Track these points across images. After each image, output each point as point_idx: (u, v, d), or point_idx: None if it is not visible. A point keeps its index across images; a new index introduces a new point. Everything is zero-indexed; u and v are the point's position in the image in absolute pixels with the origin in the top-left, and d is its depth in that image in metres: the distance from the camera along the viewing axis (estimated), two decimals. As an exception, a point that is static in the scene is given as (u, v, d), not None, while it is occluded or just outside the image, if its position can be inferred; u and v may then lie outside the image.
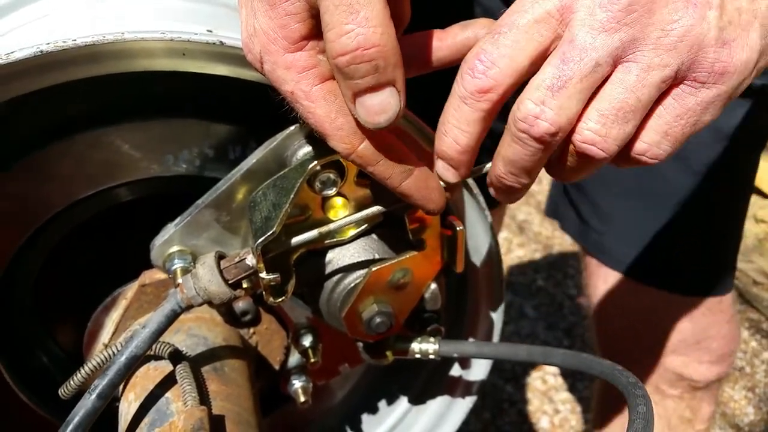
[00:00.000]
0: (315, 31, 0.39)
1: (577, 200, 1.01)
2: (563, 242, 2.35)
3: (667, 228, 0.92)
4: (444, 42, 0.46)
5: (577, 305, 2.18)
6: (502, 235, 2.44)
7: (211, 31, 0.55)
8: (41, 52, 0.42)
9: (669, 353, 1.00)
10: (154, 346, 0.51)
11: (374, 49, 0.36)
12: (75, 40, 0.42)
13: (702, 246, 0.94)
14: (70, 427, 0.46)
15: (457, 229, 0.51)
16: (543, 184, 2.26)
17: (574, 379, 1.92)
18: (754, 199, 2.55)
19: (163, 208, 0.56)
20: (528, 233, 2.46)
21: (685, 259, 0.95)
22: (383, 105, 0.39)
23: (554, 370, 1.93)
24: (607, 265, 0.99)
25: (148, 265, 0.55)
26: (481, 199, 0.57)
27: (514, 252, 2.38)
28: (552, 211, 1.11)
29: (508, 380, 1.92)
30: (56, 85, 0.46)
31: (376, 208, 0.49)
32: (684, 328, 0.97)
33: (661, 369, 1.01)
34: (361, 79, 0.37)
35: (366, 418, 0.76)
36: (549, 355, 0.51)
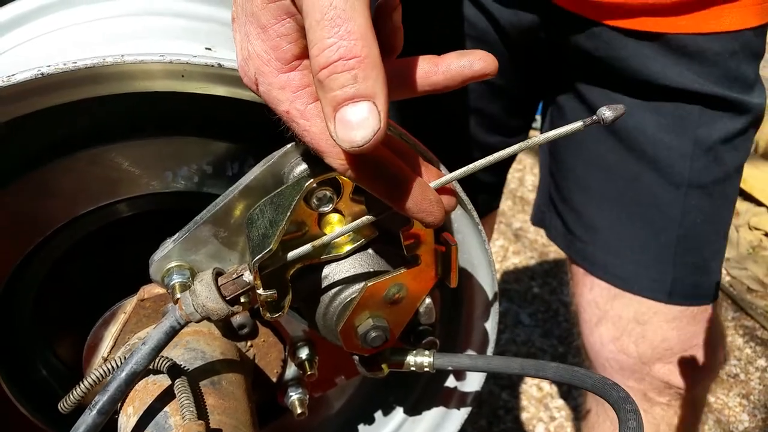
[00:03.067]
0: (307, 51, 0.40)
1: (562, 210, 1.03)
2: (558, 250, 2.35)
3: (651, 237, 0.94)
4: (439, 67, 0.47)
5: (572, 313, 2.19)
6: (498, 243, 2.45)
7: (210, 49, 0.56)
8: (42, 74, 0.43)
9: (655, 361, 1.00)
10: (153, 361, 0.52)
11: (354, 60, 0.36)
12: (75, 62, 0.43)
13: (686, 255, 0.95)
14: (71, 442, 0.46)
15: (451, 245, 0.52)
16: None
17: (569, 387, 1.92)
18: (748, 207, 2.57)
19: (162, 223, 0.56)
20: (524, 241, 2.47)
21: (670, 268, 0.96)
22: (360, 120, 0.37)
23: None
24: (593, 274, 1.00)
25: (147, 279, 0.56)
26: (475, 214, 0.58)
27: (510, 260, 2.39)
28: (538, 219, 1.13)
29: (504, 387, 1.93)
30: (57, 105, 0.47)
31: (367, 218, 0.50)
32: (670, 336, 0.99)
33: (648, 377, 1.02)
34: (339, 90, 0.37)
35: (362, 429, 0.77)
36: (541, 369, 0.52)
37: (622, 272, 0.97)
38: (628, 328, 1.00)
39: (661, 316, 0.98)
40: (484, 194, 1.15)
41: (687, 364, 1.00)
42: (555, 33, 0.88)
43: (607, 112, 0.42)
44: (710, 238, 0.96)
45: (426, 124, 0.93)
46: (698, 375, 1.02)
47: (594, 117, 0.42)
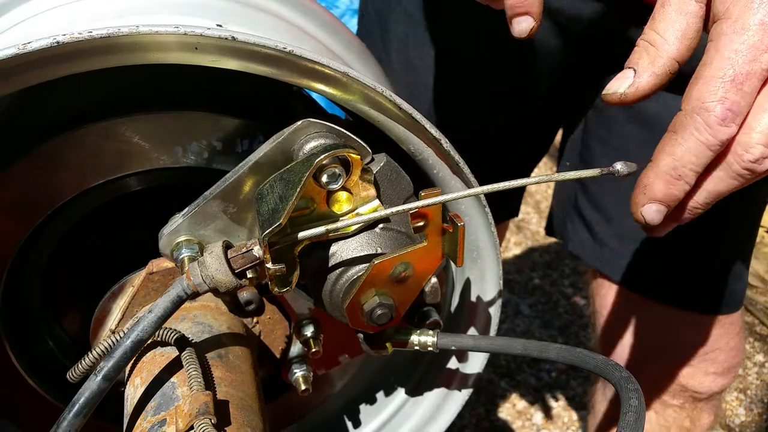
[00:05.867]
0: None
1: (592, 220, 0.99)
2: (559, 242, 2.37)
3: (681, 246, 0.91)
4: None
5: (572, 304, 2.20)
6: (500, 233, 2.46)
7: (221, 26, 0.56)
8: (57, 42, 0.43)
9: (675, 364, 1.00)
10: (160, 332, 0.52)
11: None
12: (91, 32, 0.43)
13: (716, 264, 0.93)
14: (76, 407, 0.47)
15: (458, 225, 0.52)
16: (542, 185, 2.27)
17: (567, 377, 1.93)
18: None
19: (172, 198, 0.57)
20: (525, 232, 2.48)
21: (700, 277, 0.94)
22: None
23: (548, 367, 1.95)
24: (622, 285, 0.97)
25: (156, 254, 0.56)
26: (483, 196, 0.59)
27: (511, 251, 2.40)
28: (558, 231, 1.09)
29: (503, 376, 1.94)
30: (70, 75, 0.47)
31: (385, 212, 0.51)
32: (693, 342, 0.98)
33: (666, 380, 1.02)
34: None
35: (364, 408, 0.77)
36: (545, 350, 0.52)
37: (652, 281, 0.95)
38: (651, 332, 1.00)
39: (687, 322, 0.96)
40: (505, 200, 1.13)
41: (707, 368, 1.00)
42: (615, 23, 0.84)
43: (622, 167, 0.47)
44: (738, 246, 0.95)
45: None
46: (717, 379, 1.01)
47: (610, 168, 0.47)
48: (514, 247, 2.41)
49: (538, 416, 1.84)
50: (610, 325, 1.03)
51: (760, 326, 2.17)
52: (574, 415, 1.84)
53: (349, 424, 0.78)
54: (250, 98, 0.57)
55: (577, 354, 0.50)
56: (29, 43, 0.42)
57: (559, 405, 1.87)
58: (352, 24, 3.21)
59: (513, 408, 1.87)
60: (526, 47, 0.88)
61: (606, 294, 1.03)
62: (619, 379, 0.44)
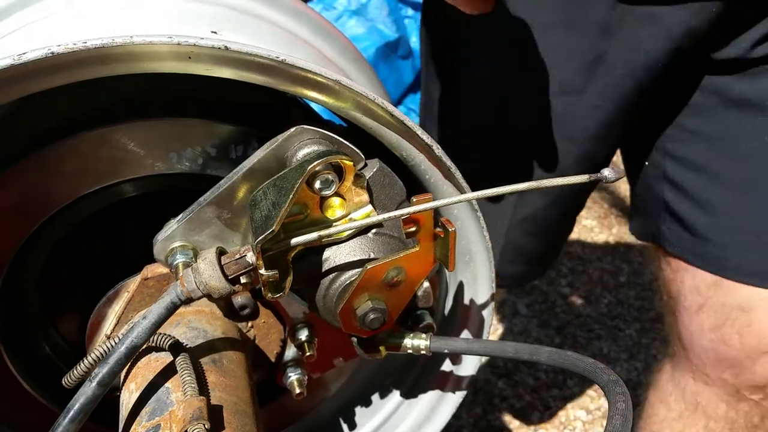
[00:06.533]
0: None
1: (689, 217, 0.95)
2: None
3: None
4: None
5: (569, 304, 2.20)
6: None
7: (215, 32, 0.57)
8: (52, 53, 0.43)
9: (761, 354, 0.94)
10: (155, 338, 0.53)
11: None
12: (85, 42, 0.44)
13: None
14: (71, 413, 0.47)
15: (449, 230, 0.53)
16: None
17: (564, 376, 1.94)
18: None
19: (166, 204, 0.57)
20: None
21: None
22: None
23: (545, 366, 1.95)
24: (722, 276, 0.93)
25: (151, 259, 0.57)
26: (475, 202, 0.59)
27: (509, 250, 2.40)
28: (649, 233, 1.04)
29: (500, 376, 1.95)
30: (66, 84, 0.47)
31: (378, 218, 0.51)
32: None
33: (749, 373, 0.96)
34: None
35: (359, 411, 0.78)
36: (535, 353, 0.53)
37: (735, 262, 0.91)
38: (732, 316, 0.94)
39: None
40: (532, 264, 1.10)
41: None
42: (728, 30, 0.82)
43: (610, 173, 0.48)
44: None
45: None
46: None
47: (598, 174, 0.49)
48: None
49: (535, 416, 1.85)
50: (685, 300, 0.98)
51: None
52: (572, 414, 1.85)
53: (345, 427, 0.78)
54: (244, 105, 0.58)
55: (567, 357, 0.50)
56: (24, 53, 0.43)
57: (556, 404, 1.88)
58: (350, 25, 3.21)
59: (511, 408, 1.88)
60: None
61: (679, 267, 0.98)
62: (608, 383, 0.45)
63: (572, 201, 1.08)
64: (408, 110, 3.06)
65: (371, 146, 0.56)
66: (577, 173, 0.50)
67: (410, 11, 3.10)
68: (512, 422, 1.83)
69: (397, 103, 3.06)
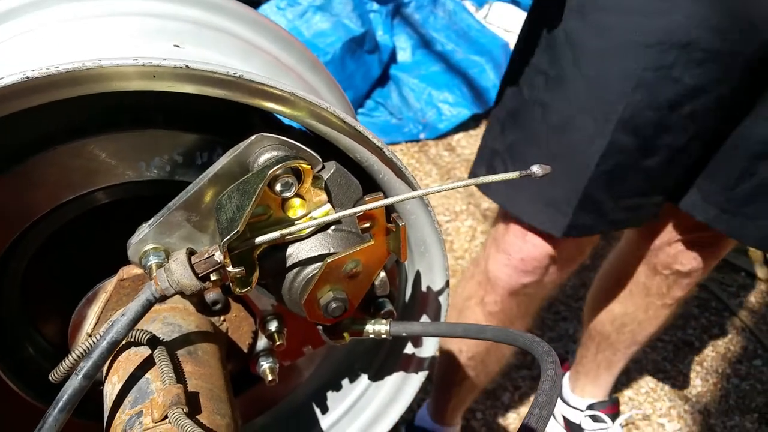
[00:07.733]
0: None
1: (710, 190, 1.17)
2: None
3: None
4: None
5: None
6: (467, 224, 2.53)
7: (177, 46, 0.61)
8: (27, 78, 0.47)
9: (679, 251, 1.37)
10: (133, 334, 0.57)
11: None
12: (57, 67, 0.48)
13: None
14: (60, 404, 0.52)
15: (400, 224, 0.58)
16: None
17: (533, 357, 2.02)
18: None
19: (138, 209, 0.62)
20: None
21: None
22: None
23: (514, 348, 2.02)
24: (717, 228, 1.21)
25: (126, 261, 0.61)
26: (426, 198, 0.65)
27: (478, 239, 2.47)
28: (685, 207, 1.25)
29: (473, 360, 2.01)
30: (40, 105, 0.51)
31: (335, 216, 0.56)
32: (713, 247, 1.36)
33: (670, 258, 1.38)
34: None
35: (331, 395, 0.83)
36: (482, 332, 0.59)
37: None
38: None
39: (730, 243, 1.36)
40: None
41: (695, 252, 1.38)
42: None
43: (537, 169, 0.52)
44: None
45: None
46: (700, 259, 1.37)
47: (527, 171, 0.52)
48: (480, 236, 2.48)
49: (506, 396, 1.92)
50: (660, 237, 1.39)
51: (715, 301, 2.29)
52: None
53: (318, 411, 0.84)
54: (208, 115, 0.62)
55: (509, 333, 0.56)
56: (1, 78, 0.47)
57: (526, 384, 1.95)
58: (315, 21, 3.19)
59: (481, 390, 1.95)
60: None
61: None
62: (542, 353, 0.51)
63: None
64: (377, 104, 3.10)
65: (329, 148, 0.61)
66: None
67: (375, 5, 3.12)
68: (485, 402, 1.90)
69: (365, 96, 3.09)
